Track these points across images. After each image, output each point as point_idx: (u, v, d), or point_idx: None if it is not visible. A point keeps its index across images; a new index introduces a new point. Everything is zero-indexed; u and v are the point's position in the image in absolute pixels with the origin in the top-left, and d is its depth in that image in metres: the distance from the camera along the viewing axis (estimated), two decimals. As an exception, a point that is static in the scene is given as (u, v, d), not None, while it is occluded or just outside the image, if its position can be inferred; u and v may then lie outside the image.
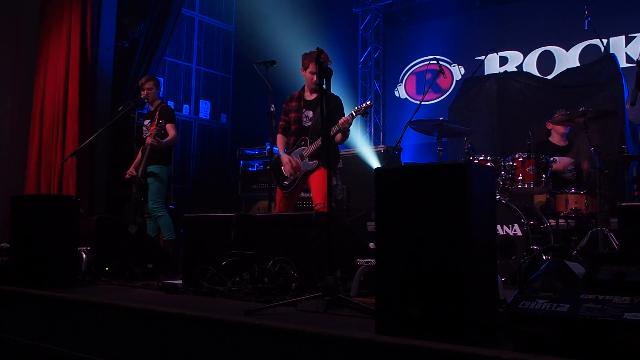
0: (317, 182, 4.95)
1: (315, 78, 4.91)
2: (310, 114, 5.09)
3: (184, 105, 9.33)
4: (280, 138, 5.27)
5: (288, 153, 5.11)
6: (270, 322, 2.54)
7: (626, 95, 6.55)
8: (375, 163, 6.99)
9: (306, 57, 5.11)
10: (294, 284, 3.39)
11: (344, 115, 4.88)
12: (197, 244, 4.10)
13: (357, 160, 7.08)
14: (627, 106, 6.32)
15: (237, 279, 3.69)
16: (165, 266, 4.76)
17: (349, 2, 10.57)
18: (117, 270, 4.55)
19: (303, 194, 5.85)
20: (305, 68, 5.11)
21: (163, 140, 5.85)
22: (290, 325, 2.45)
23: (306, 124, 5.09)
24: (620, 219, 2.57)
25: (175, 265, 4.83)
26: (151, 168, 5.92)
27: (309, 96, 5.17)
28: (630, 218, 2.48)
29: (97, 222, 4.79)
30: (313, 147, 4.97)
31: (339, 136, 4.88)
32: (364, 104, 4.83)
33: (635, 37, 7.94)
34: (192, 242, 4.15)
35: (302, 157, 5.03)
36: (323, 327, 2.42)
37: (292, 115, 5.18)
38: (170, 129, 5.95)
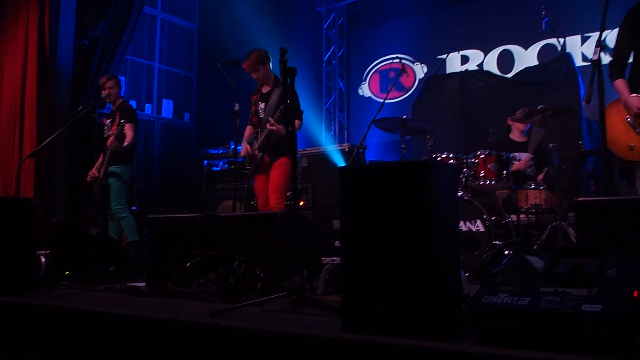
0: (272, 182, 5.09)
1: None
2: (262, 105, 5.24)
3: (147, 105, 9.19)
4: (247, 128, 5.43)
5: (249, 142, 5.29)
6: (236, 322, 2.53)
7: (582, 93, 6.72)
8: (340, 161, 7.01)
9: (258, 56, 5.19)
10: (259, 284, 3.38)
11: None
12: (161, 245, 4.06)
13: (322, 159, 7.09)
14: (583, 104, 6.47)
15: (202, 280, 3.66)
16: (128, 269, 4.69)
17: (312, 1, 10.57)
18: (78, 273, 4.46)
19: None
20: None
21: (122, 145, 5.75)
22: (256, 326, 2.44)
23: (261, 115, 5.25)
24: (578, 213, 2.63)
25: (138, 268, 4.76)
26: (112, 168, 5.81)
27: (264, 89, 5.32)
28: (586, 212, 2.55)
29: (57, 224, 4.70)
30: (261, 138, 5.10)
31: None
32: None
33: (590, 36, 8.14)
34: (156, 244, 4.10)
35: (256, 150, 5.17)
36: (289, 326, 2.41)
37: (253, 108, 5.37)
38: (128, 129, 5.83)
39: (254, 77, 5.27)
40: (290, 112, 4.12)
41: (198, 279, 3.68)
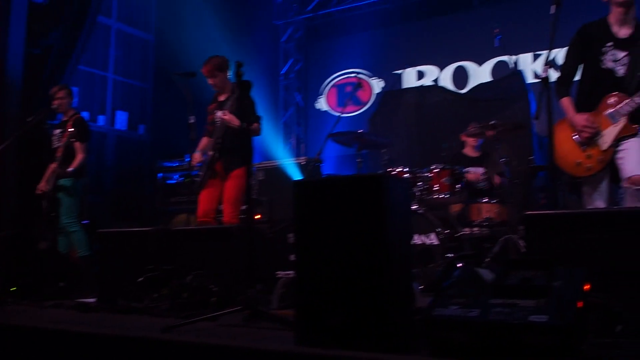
0: (227, 195, 4.97)
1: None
2: (219, 113, 5.13)
3: (100, 116, 9.01)
4: (203, 139, 5.30)
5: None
6: (189, 338, 2.49)
7: (532, 109, 6.91)
8: (297, 175, 7.01)
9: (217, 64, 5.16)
10: (214, 299, 3.35)
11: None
12: (113, 259, 3.99)
13: (279, 172, 7.08)
14: (534, 120, 6.66)
15: (156, 295, 3.61)
16: (78, 284, 4.58)
17: (270, 15, 10.60)
18: (26, 289, 4.33)
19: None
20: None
21: (68, 169, 5.62)
22: (210, 341, 2.42)
23: (218, 124, 5.13)
24: (526, 226, 2.70)
25: (89, 283, 4.64)
26: (63, 181, 5.67)
27: (221, 97, 5.24)
28: (535, 225, 2.61)
29: (4, 238, 4.55)
30: (215, 137, 5.01)
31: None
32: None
33: (541, 54, 8.39)
34: (107, 258, 4.03)
35: (208, 151, 5.07)
36: (243, 341, 2.40)
37: (210, 117, 5.26)
38: (78, 149, 5.70)
39: (210, 83, 5.17)
40: (245, 107, 4.02)
41: (151, 294, 3.62)
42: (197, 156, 5.13)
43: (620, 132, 3.57)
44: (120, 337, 2.63)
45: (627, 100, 3.55)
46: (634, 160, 3.52)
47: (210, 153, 5.01)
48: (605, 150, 3.60)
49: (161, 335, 2.58)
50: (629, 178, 3.51)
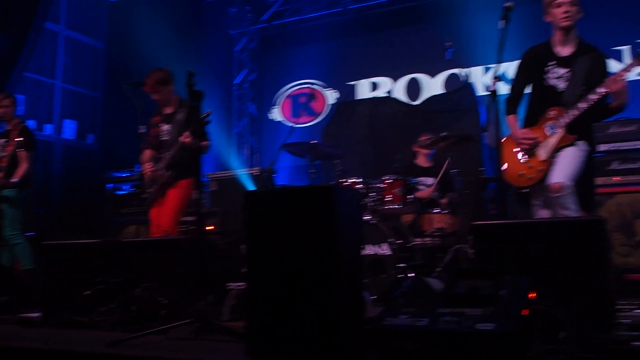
0: (169, 203, 4.88)
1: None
2: (166, 127, 5.05)
3: (46, 125, 8.76)
4: (146, 152, 5.16)
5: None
6: (137, 352, 2.44)
7: (483, 121, 7.07)
8: (250, 185, 6.98)
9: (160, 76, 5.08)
10: (164, 311, 3.29)
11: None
12: (59, 273, 3.88)
13: (232, 183, 7.03)
14: (484, 132, 6.82)
15: (103, 309, 3.52)
16: (22, 298, 4.42)
17: (224, 24, 10.55)
18: (-34, 304, 4.16)
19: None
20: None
21: (12, 180, 5.46)
22: (159, 354, 2.38)
23: (163, 138, 5.04)
24: (475, 236, 2.76)
25: (34, 297, 4.49)
26: (6, 192, 5.48)
27: (166, 110, 5.14)
28: (482, 235, 2.67)
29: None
30: (169, 156, 4.90)
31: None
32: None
33: (491, 67, 8.61)
34: (53, 271, 3.92)
35: (159, 169, 4.96)
36: (193, 354, 2.36)
37: (154, 130, 5.15)
38: (23, 158, 5.54)
39: (154, 98, 5.08)
40: (202, 129, 4.01)
41: (98, 307, 3.53)
42: (148, 168, 5.01)
43: (558, 142, 3.74)
44: (65, 352, 2.56)
45: (565, 113, 3.71)
46: (559, 168, 3.68)
47: (160, 173, 4.92)
48: (544, 161, 3.78)
49: (108, 349, 2.52)
50: (548, 185, 3.65)
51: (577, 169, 3.66)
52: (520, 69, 4.03)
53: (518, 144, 3.87)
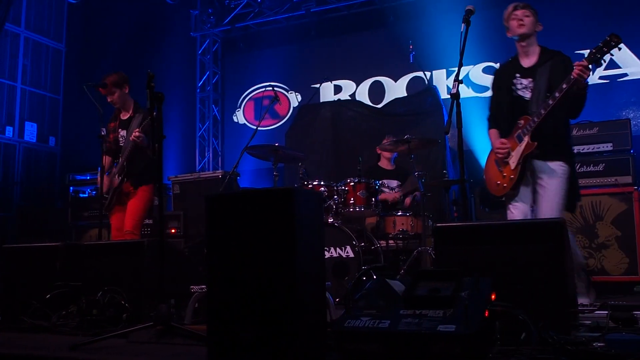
0: (130, 207, 4.89)
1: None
2: (124, 132, 5.03)
3: (7, 127, 8.56)
4: (105, 159, 5.13)
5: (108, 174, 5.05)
6: (98, 356, 2.41)
7: (445, 123, 7.16)
8: (213, 188, 6.93)
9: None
10: (125, 315, 3.25)
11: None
12: (18, 276, 3.82)
13: (195, 185, 6.98)
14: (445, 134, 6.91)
15: (64, 313, 3.47)
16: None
17: (187, 27, 10.46)
18: None
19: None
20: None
21: None
22: (120, 358, 2.35)
23: (122, 144, 5.02)
24: (436, 238, 2.79)
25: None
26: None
27: (123, 115, 5.13)
28: (444, 237, 2.71)
29: None
30: (122, 160, 4.90)
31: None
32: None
33: (454, 71, 8.72)
34: (12, 275, 3.85)
35: (114, 175, 4.96)
36: (154, 357, 2.34)
37: (112, 135, 5.12)
38: None
39: (109, 101, 5.06)
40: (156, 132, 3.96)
41: (59, 311, 3.48)
42: (106, 181, 4.98)
43: (524, 150, 3.82)
44: (26, 356, 2.51)
45: (531, 120, 3.80)
46: (546, 204, 3.79)
47: (116, 177, 4.88)
48: (514, 169, 3.88)
49: (69, 353, 2.49)
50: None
51: (563, 197, 3.79)
52: (492, 86, 4.22)
53: (495, 153, 4.02)
